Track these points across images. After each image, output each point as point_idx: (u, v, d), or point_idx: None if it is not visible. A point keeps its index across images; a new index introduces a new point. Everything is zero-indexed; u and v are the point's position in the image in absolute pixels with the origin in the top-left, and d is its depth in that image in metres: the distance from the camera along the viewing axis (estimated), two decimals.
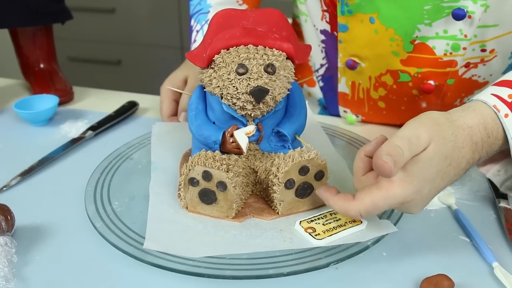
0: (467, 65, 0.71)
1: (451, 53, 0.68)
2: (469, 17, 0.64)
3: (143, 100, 0.90)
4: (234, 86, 0.52)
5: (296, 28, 0.89)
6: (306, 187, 0.55)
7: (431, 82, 0.71)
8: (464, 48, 0.67)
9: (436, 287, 0.46)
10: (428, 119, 0.49)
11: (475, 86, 0.74)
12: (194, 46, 0.83)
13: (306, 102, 0.61)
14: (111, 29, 2.08)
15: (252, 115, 0.55)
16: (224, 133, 0.56)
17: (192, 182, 0.54)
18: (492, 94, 0.52)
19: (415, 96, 0.74)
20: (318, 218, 0.54)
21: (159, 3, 1.98)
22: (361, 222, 0.53)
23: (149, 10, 2.01)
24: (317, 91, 0.90)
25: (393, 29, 0.68)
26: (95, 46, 2.14)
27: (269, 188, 0.56)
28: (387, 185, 0.47)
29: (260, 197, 0.59)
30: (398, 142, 0.46)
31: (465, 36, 0.66)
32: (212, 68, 0.54)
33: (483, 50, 0.69)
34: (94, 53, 2.15)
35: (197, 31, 0.83)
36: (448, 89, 0.73)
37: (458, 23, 0.65)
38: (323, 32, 0.80)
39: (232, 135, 0.56)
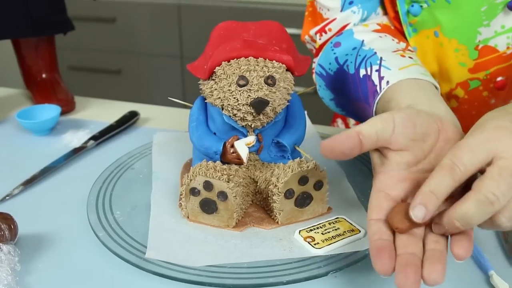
0: None
1: None
2: None
3: (144, 110, 0.91)
4: (234, 98, 0.53)
5: None
6: (306, 197, 0.56)
7: (501, 78, 0.70)
8: None
9: None
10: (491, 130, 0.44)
11: None
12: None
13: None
14: (111, 38, 2.09)
15: (253, 126, 0.56)
16: (224, 144, 0.57)
17: (193, 192, 0.55)
18: None
19: (485, 97, 0.74)
20: (317, 228, 0.55)
21: (159, 12, 1.99)
22: (359, 231, 0.53)
23: (150, 19, 2.02)
24: None
25: (455, 39, 0.69)
26: (95, 55, 2.15)
27: (269, 198, 0.56)
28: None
29: (260, 206, 0.59)
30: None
31: None
32: (213, 79, 0.55)
33: None
34: (94, 62, 2.15)
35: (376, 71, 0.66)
36: None
37: None
38: None
39: (232, 146, 0.57)
